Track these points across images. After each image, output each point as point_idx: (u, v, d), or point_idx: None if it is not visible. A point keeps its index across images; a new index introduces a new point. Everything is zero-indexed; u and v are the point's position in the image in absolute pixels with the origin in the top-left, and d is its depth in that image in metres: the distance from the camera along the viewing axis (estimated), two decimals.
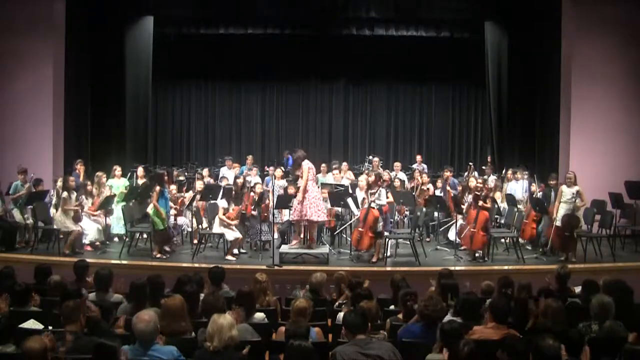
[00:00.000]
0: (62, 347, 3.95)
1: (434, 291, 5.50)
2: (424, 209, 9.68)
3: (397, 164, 12.64)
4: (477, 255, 9.00)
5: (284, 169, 11.93)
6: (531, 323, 4.87)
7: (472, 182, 9.30)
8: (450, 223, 9.79)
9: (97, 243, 9.42)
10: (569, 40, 11.40)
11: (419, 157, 12.97)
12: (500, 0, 13.09)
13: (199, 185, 10.00)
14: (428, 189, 10.84)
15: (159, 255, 8.88)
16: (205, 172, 10.46)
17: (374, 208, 8.69)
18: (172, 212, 9.29)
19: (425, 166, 12.68)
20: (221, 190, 9.49)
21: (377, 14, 13.49)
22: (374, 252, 8.82)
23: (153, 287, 5.24)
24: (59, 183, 9.33)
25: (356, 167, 14.12)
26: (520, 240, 9.43)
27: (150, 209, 8.90)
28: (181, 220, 9.71)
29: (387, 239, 8.93)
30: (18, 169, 9.75)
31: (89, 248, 9.29)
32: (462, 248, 9.25)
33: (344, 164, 12.38)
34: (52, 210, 9.34)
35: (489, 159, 13.80)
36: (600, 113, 11.15)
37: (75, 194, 9.12)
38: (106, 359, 3.66)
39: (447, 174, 10.94)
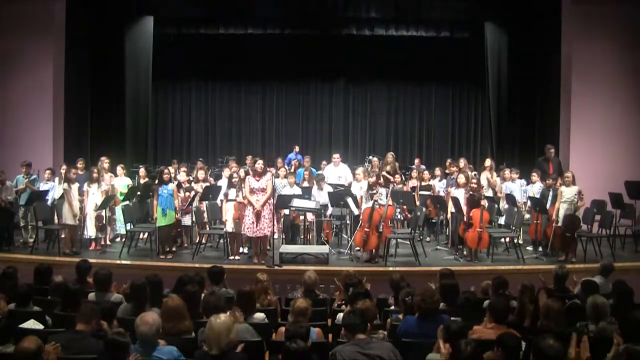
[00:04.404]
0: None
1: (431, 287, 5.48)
2: (424, 209, 9.67)
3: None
4: (479, 254, 9.01)
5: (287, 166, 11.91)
6: (527, 322, 4.89)
7: (462, 179, 9.26)
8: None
9: (102, 242, 9.43)
10: (569, 40, 11.41)
11: (417, 161, 12.96)
12: (500, 0, 13.10)
13: (197, 186, 9.92)
14: (432, 185, 10.80)
15: (162, 256, 8.87)
16: (201, 174, 10.13)
17: (377, 207, 8.68)
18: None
19: (424, 167, 12.62)
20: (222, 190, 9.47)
21: (377, 14, 13.51)
22: (374, 252, 8.82)
23: (153, 287, 5.24)
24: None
25: (356, 167, 14.08)
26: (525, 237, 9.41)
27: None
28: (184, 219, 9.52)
29: (387, 239, 8.92)
30: (22, 163, 9.77)
31: (92, 247, 9.30)
32: (460, 247, 9.27)
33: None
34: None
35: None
36: (600, 113, 11.16)
37: (76, 185, 9.08)
38: (117, 354, 3.67)
39: (453, 169, 10.68)
